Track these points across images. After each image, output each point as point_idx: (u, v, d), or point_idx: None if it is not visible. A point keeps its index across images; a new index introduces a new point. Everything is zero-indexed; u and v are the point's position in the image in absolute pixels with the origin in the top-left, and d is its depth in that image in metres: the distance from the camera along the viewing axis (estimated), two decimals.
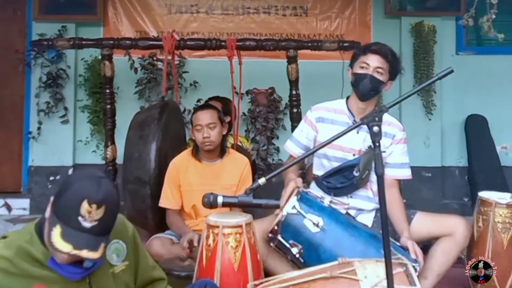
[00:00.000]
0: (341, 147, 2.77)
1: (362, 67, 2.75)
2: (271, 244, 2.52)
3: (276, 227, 2.47)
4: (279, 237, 2.47)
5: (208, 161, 3.32)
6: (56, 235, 1.64)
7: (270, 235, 2.50)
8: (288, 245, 2.46)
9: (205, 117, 3.26)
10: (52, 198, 1.75)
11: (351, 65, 2.84)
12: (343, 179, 2.78)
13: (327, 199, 2.62)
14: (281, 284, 2.11)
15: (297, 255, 2.44)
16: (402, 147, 2.85)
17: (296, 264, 2.56)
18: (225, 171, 3.30)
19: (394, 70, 2.79)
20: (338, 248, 2.41)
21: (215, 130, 3.23)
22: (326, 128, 2.83)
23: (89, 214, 1.65)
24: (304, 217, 2.46)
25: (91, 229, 1.66)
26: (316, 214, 2.49)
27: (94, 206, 1.66)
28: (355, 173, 2.73)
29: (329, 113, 2.87)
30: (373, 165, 2.70)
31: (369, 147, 2.72)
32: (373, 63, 2.73)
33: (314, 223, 2.45)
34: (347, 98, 2.91)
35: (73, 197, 1.67)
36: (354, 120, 2.80)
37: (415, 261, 2.45)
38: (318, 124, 2.86)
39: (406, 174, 2.86)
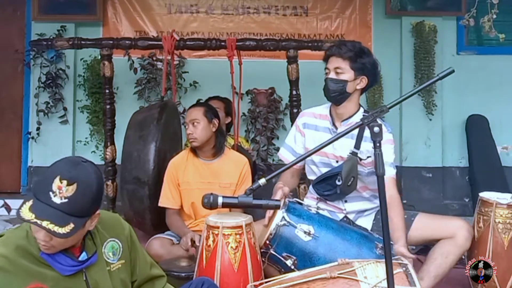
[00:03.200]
0: (325, 153, 2.76)
1: (326, 73, 2.77)
2: (263, 259, 2.47)
3: (267, 242, 2.44)
4: (271, 251, 2.44)
5: (204, 159, 3.31)
6: (26, 207, 1.68)
7: (261, 250, 2.46)
8: (281, 258, 2.43)
9: (190, 114, 3.30)
10: None
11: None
12: (329, 187, 2.76)
13: (313, 207, 2.59)
14: (281, 285, 2.10)
15: (292, 267, 2.40)
16: (385, 148, 2.72)
17: None
18: (224, 170, 3.29)
19: (358, 64, 2.69)
20: (332, 253, 2.39)
21: (199, 127, 3.23)
22: (310, 134, 2.84)
23: (59, 190, 1.68)
24: (295, 227, 2.43)
25: (61, 206, 1.68)
26: (306, 223, 2.46)
27: (64, 182, 1.68)
28: (338, 182, 2.69)
29: (314, 119, 2.87)
30: (358, 171, 2.68)
31: (352, 153, 2.69)
32: (331, 65, 2.73)
33: (305, 232, 2.42)
34: None
35: (49, 173, 1.72)
36: (334, 125, 2.79)
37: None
38: (304, 130, 2.87)
39: (389, 174, 2.60)
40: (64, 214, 1.68)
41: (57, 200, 1.68)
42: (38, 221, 1.64)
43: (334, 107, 2.80)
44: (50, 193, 1.68)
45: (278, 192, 2.59)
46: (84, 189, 1.71)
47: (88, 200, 1.74)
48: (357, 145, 2.69)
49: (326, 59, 2.79)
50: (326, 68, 2.77)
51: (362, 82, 2.74)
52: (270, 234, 2.43)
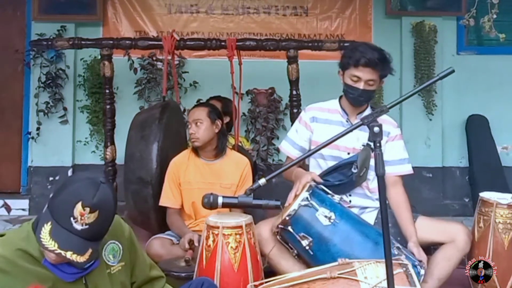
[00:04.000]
0: (336, 145, 2.77)
1: (353, 80, 2.74)
2: (278, 237, 2.52)
3: (287, 218, 2.45)
4: (290, 228, 2.45)
5: (206, 159, 3.31)
6: (45, 231, 1.65)
7: (280, 226, 2.49)
8: (298, 237, 2.44)
9: (193, 113, 3.30)
10: (51, 194, 1.76)
11: (342, 68, 2.81)
12: (341, 177, 2.78)
13: (337, 196, 2.61)
14: (281, 285, 2.10)
15: (307, 247, 2.43)
16: (398, 143, 2.86)
17: (302, 258, 2.56)
18: (225, 170, 3.29)
19: (384, 73, 2.78)
20: (348, 243, 2.42)
21: (201, 127, 3.23)
22: (320, 127, 2.86)
23: (81, 217, 1.65)
24: (317, 210, 2.46)
25: (81, 232, 1.66)
26: (329, 208, 2.48)
27: (87, 209, 1.66)
28: (353, 170, 2.74)
29: (323, 112, 2.89)
30: (371, 163, 2.74)
31: (367, 144, 2.74)
32: (364, 76, 2.71)
33: (326, 216, 2.45)
34: (340, 97, 2.92)
35: (69, 196, 1.68)
36: (348, 119, 2.84)
37: (422, 266, 2.46)
38: (312, 124, 2.89)
39: (407, 169, 2.87)
40: (84, 241, 1.67)
41: (78, 226, 1.66)
42: (62, 252, 1.63)
43: (350, 105, 2.84)
44: (71, 218, 1.66)
45: (305, 175, 2.61)
46: (105, 216, 1.71)
47: (107, 224, 1.76)
48: (370, 138, 2.72)
49: (354, 66, 2.72)
50: (355, 76, 2.71)
51: (380, 83, 2.85)
52: (293, 210, 2.45)
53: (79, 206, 1.65)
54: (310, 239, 2.44)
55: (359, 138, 2.79)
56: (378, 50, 2.76)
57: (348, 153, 2.80)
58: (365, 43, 2.89)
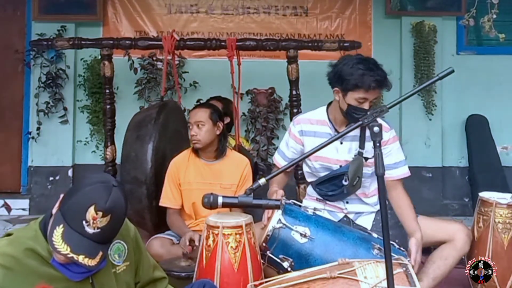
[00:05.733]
0: (328, 159, 2.75)
1: (360, 102, 2.61)
2: (262, 261, 2.49)
3: (264, 244, 2.45)
4: (269, 253, 2.45)
5: (206, 160, 3.31)
6: (57, 234, 1.65)
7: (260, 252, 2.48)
8: (278, 260, 2.44)
9: (195, 115, 3.27)
10: (62, 195, 1.76)
11: (344, 90, 2.62)
12: (333, 187, 2.76)
13: (310, 208, 2.60)
14: (281, 285, 2.10)
15: (289, 269, 2.42)
16: (392, 147, 2.79)
17: None
18: (225, 171, 3.29)
19: (386, 89, 2.69)
20: (328, 254, 2.39)
21: (203, 129, 3.21)
22: (309, 140, 2.80)
23: (93, 220, 1.66)
24: (291, 229, 2.44)
25: (93, 236, 1.66)
26: (302, 224, 2.46)
27: (100, 213, 1.66)
28: (344, 182, 2.70)
29: (311, 125, 2.83)
30: (363, 170, 2.70)
31: (358, 153, 2.70)
32: (371, 97, 2.61)
33: (301, 234, 2.43)
34: (328, 105, 2.84)
35: (82, 199, 1.68)
36: (336, 131, 2.75)
37: (405, 255, 2.44)
38: (302, 137, 2.84)
39: (403, 172, 2.80)
40: (95, 244, 1.67)
41: (90, 230, 1.66)
42: (75, 256, 1.63)
43: (342, 116, 2.73)
44: (84, 222, 1.66)
45: (273, 197, 2.60)
46: (116, 219, 1.72)
47: (118, 227, 1.76)
48: (362, 145, 2.70)
49: (365, 90, 2.58)
50: (362, 98, 2.59)
51: None
52: (267, 236, 2.44)
53: (91, 210, 1.65)
54: (291, 259, 2.43)
55: (351, 149, 2.74)
56: (380, 67, 2.64)
57: (340, 166, 2.76)
58: (366, 60, 2.66)
